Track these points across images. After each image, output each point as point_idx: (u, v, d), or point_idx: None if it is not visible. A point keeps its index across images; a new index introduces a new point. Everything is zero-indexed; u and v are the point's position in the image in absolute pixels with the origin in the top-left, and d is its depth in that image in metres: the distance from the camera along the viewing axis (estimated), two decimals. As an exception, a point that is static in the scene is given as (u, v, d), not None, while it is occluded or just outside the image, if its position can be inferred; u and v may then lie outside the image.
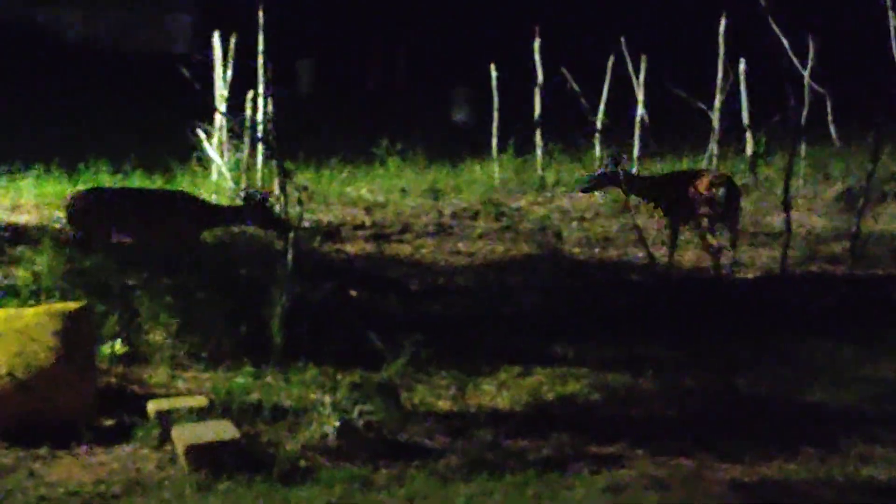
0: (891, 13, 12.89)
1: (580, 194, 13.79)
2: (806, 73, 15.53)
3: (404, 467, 7.27)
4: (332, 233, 12.72)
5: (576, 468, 7.32)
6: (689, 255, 12.00)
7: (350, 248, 12.26)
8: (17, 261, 10.15)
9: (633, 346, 9.45)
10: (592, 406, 8.40)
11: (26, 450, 7.37)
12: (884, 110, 11.54)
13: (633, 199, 11.99)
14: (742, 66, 15.93)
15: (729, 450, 7.60)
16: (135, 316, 9.00)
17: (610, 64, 16.28)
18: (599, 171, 11.89)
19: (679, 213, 11.35)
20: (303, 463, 7.28)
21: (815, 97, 15.68)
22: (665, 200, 11.45)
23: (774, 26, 12.06)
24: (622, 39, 16.31)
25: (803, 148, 15.43)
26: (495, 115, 16.49)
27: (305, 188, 10.40)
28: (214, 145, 14.38)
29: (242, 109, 14.08)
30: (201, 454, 7.12)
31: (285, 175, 9.90)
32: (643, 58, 16.17)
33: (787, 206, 11.30)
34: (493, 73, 16.49)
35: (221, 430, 7.33)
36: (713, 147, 15.85)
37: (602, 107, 16.12)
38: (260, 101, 13.72)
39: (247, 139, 14.16)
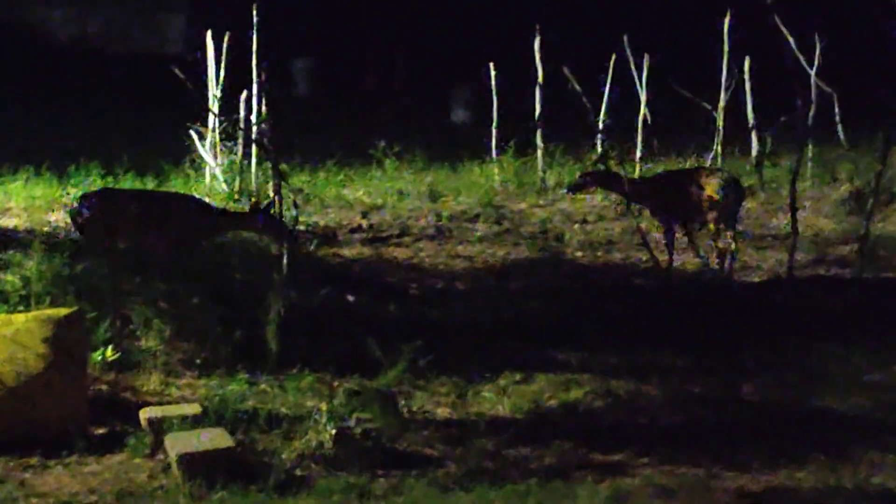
0: (901, 9, 12.77)
1: (585, 197, 13.74)
2: (812, 72, 15.44)
3: (402, 476, 7.21)
4: (328, 236, 12.66)
5: (579, 477, 7.26)
6: (694, 259, 11.89)
7: (347, 252, 12.21)
8: (6, 265, 10.04)
9: (637, 352, 9.40)
10: (596, 413, 8.35)
11: (16, 459, 7.32)
12: (893, 109, 11.42)
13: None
14: (747, 65, 15.84)
15: (736, 457, 7.54)
16: (127, 322, 8.98)
17: (612, 63, 16.18)
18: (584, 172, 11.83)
19: (676, 215, 11.23)
20: (298, 472, 7.23)
21: (822, 96, 15.58)
22: (658, 202, 11.27)
23: (780, 23, 11.95)
24: (624, 38, 16.19)
25: (810, 148, 15.35)
26: (495, 115, 16.43)
27: (301, 191, 10.34)
28: (208, 147, 14.31)
29: (236, 110, 13.98)
30: (195, 463, 7.05)
31: (280, 177, 9.82)
32: (646, 56, 16.07)
33: (793, 207, 11.20)
34: (493, 73, 16.40)
35: (215, 438, 7.28)
36: (717, 147, 15.77)
37: (604, 107, 16.02)
38: (254, 101, 13.65)
39: (241, 141, 14.06)
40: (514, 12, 23.16)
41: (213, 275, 9.69)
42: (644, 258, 11.73)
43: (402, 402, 8.13)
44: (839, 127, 16.81)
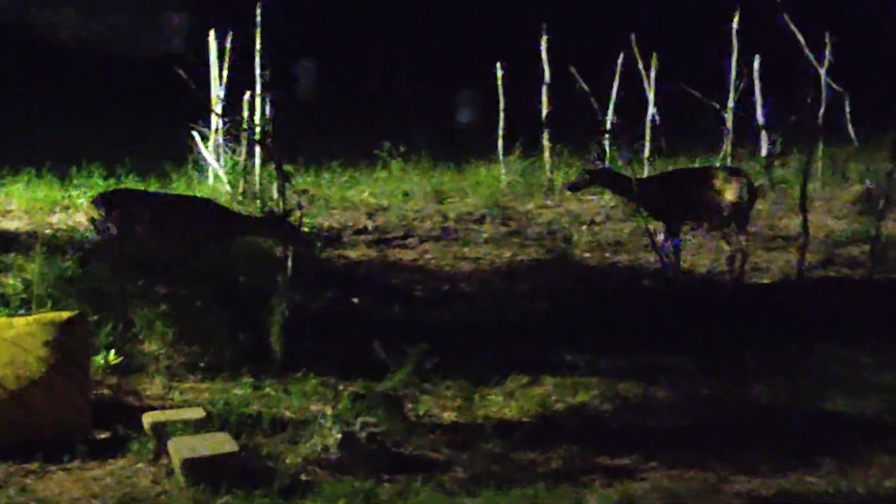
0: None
1: (592, 197, 13.72)
2: (822, 71, 15.37)
3: (408, 481, 7.14)
4: (333, 238, 12.69)
5: (587, 481, 7.18)
6: (703, 261, 11.85)
7: (352, 254, 12.20)
8: (7, 268, 10.05)
9: (645, 354, 9.34)
10: (604, 416, 8.28)
11: (17, 464, 7.25)
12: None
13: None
14: (756, 64, 15.78)
15: (745, 461, 7.46)
16: (130, 325, 8.92)
17: (619, 62, 16.13)
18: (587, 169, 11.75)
19: (682, 216, 11.12)
20: (303, 477, 7.17)
21: (832, 96, 15.53)
22: (661, 203, 11.12)
23: (790, 22, 11.91)
24: (632, 37, 16.14)
25: (820, 148, 15.29)
26: (501, 115, 16.39)
27: (305, 192, 10.30)
28: (211, 148, 14.28)
29: (240, 111, 13.94)
30: (199, 468, 6.98)
31: (284, 178, 9.78)
32: (654, 56, 16.02)
33: (803, 208, 11.17)
34: (499, 73, 16.36)
35: (219, 443, 7.21)
36: (727, 147, 15.72)
37: (612, 106, 15.96)
38: (258, 102, 13.62)
39: (244, 142, 14.03)
40: (519, 12, 23.13)
41: (217, 277, 9.62)
42: (652, 259, 11.68)
43: (408, 406, 8.08)
44: (850, 126, 16.77)
